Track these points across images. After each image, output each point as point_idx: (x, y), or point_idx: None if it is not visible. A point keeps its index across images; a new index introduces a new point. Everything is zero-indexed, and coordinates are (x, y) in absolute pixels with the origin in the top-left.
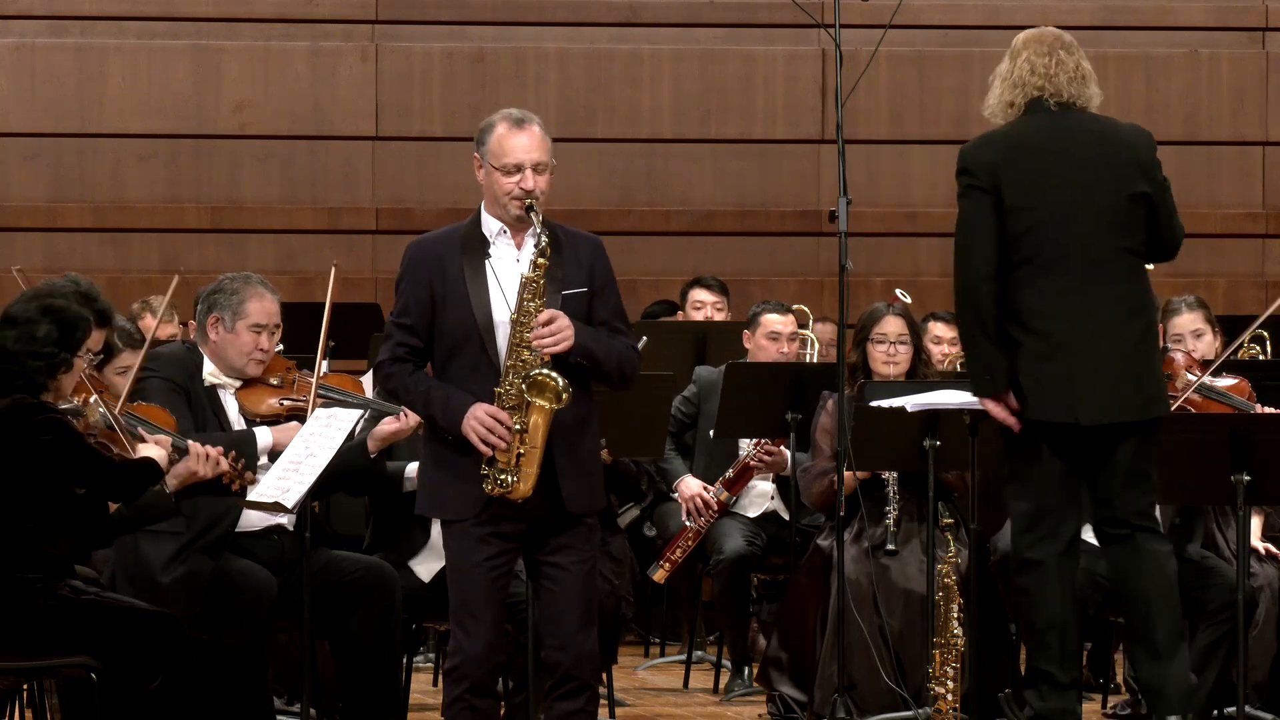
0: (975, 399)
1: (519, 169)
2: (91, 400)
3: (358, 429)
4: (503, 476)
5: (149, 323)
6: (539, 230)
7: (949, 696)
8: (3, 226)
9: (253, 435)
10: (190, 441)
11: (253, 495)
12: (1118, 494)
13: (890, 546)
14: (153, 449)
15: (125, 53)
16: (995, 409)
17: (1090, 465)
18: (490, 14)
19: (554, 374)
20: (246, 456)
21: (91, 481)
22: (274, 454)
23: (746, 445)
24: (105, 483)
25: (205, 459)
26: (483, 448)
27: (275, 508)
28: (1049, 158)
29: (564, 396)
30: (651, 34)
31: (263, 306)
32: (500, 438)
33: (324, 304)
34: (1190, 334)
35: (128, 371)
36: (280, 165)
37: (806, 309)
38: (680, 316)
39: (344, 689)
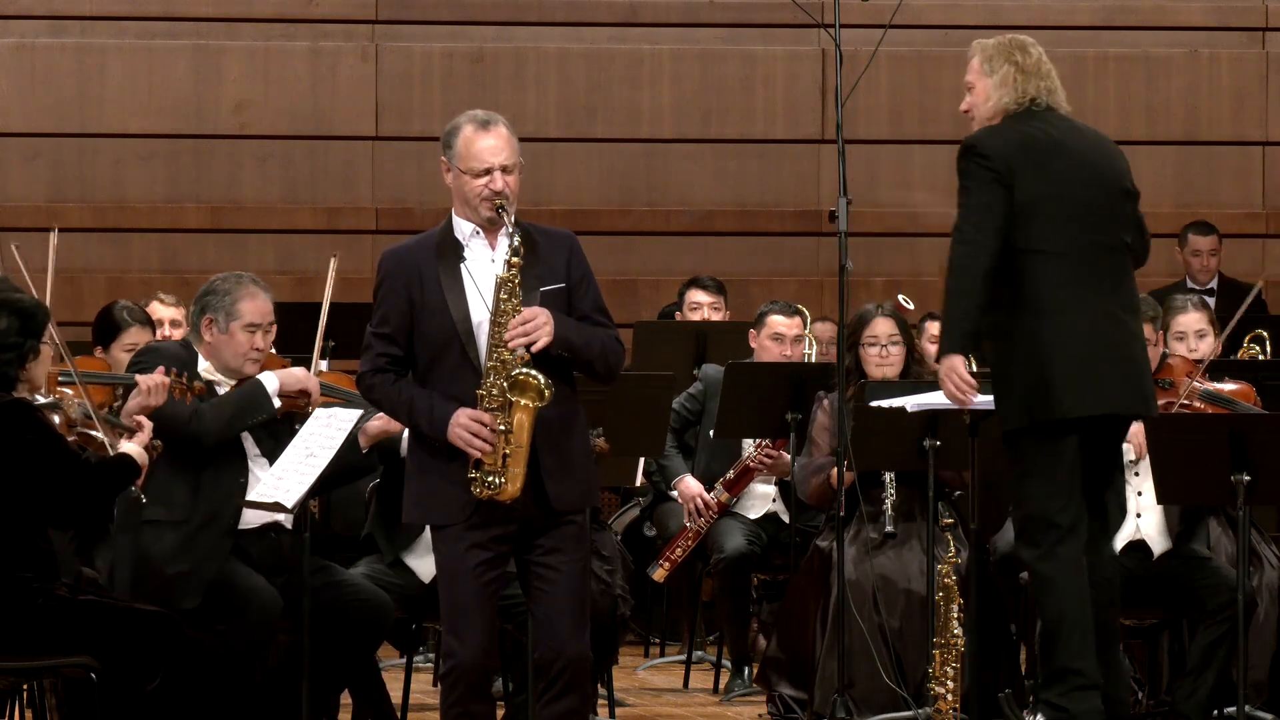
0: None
1: (488, 171)
2: (68, 394)
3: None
4: (490, 479)
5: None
6: (511, 230)
7: (949, 696)
8: (3, 226)
9: (259, 382)
10: (135, 375)
11: (252, 495)
12: (1108, 488)
13: (890, 529)
14: (132, 446)
15: (125, 53)
16: (959, 364)
17: (1091, 459)
18: (490, 14)
19: (535, 373)
20: (260, 405)
21: (68, 484)
22: (282, 394)
23: (749, 446)
24: (81, 485)
25: (152, 389)
26: (471, 451)
27: (275, 507)
28: (1062, 152)
29: (546, 394)
30: (651, 34)
31: (256, 306)
32: (485, 440)
33: (323, 304)
34: (1194, 333)
35: (135, 349)
36: (280, 165)
37: (805, 309)
38: (679, 316)
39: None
